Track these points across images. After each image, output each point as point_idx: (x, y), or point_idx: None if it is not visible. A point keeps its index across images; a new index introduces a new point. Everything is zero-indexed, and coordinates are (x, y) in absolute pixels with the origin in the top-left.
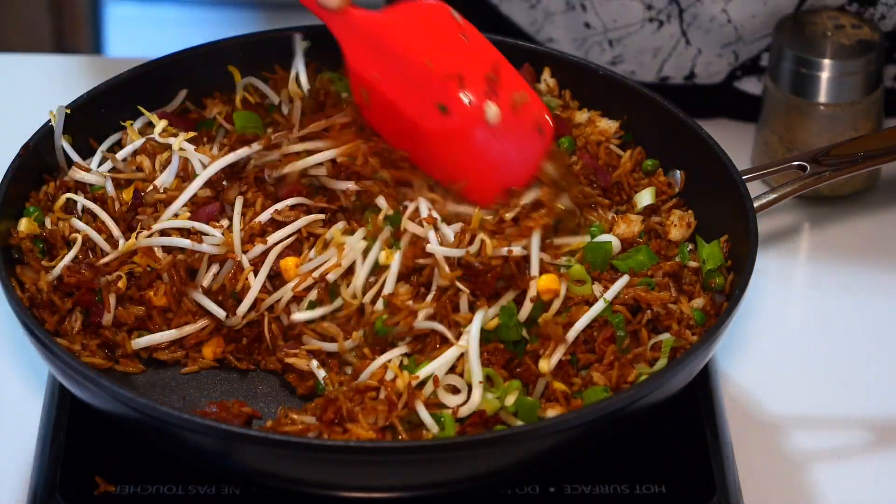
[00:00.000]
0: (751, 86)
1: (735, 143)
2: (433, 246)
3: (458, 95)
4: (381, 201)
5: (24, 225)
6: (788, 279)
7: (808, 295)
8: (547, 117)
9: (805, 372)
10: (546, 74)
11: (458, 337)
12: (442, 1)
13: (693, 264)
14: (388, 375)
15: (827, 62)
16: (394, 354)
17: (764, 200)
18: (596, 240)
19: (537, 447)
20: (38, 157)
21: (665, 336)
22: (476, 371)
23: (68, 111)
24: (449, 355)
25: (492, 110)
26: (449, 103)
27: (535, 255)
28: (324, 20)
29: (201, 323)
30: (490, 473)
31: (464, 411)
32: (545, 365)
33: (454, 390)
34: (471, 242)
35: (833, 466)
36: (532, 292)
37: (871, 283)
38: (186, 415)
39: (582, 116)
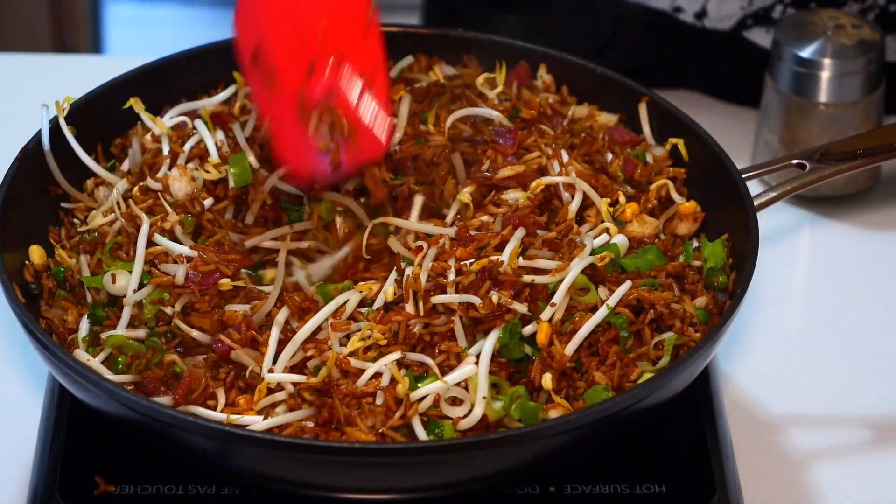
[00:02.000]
0: (759, 37)
1: (735, 141)
2: (450, 297)
3: (326, 67)
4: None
5: (36, 255)
6: (788, 279)
7: (807, 295)
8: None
9: (805, 372)
10: (542, 71)
11: (447, 364)
12: None
13: (696, 263)
14: (385, 380)
15: (827, 62)
16: (389, 360)
17: (764, 199)
18: (606, 243)
19: (540, 448)
20: (37, 161)
21: (668, 335)
22: (482, 387)
23: (67, 104)
24: (454, 377)
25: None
26: (318, 68)
27: (562, 299)
28: None
29: None
30: (494, 475)
31: (464, 424)
32: (548, 381)
33: (456, 400)
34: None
35: (833, 466)
36: (541, 338)
37: (871, 282)
38: (186, 416)
39: (582, 111)
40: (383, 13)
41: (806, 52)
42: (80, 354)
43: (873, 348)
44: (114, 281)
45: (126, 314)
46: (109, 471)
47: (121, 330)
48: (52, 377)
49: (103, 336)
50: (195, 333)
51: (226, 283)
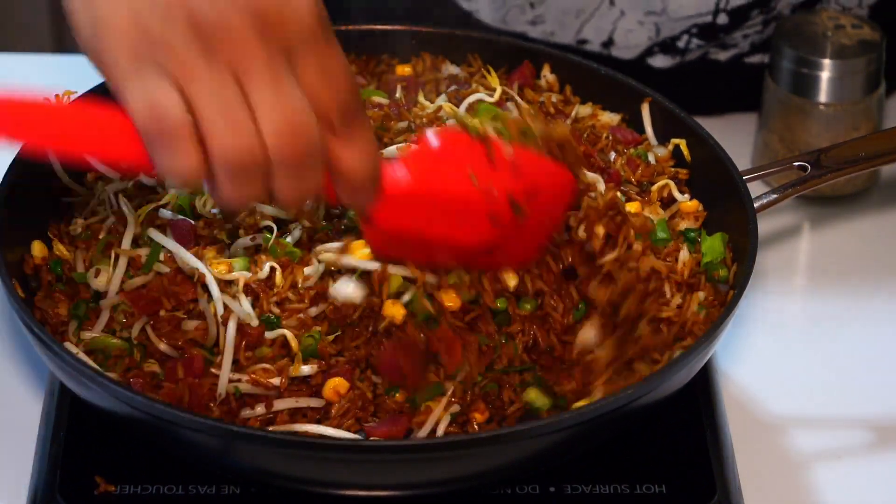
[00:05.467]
0: (660, 61)
1: (735, 142)
2: None
3: (504, 204)
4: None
5: (36, 249)
6: (788, 279)
7: (808, 295)
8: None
9: (805, 372)
10: (545, 71)
11: None
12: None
13: (696, 255)
14: None
15: (827, 62)
16: None
17: (765, 201)
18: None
19: (535, 446)
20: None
21: None
22: None
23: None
24: None
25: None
26: (498, 214)
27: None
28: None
29: None
30: (485, 473)
31: None
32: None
33: None
34: None
35: (834, 467)
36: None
37: (872, 283)
38: (189, 414)
39: (585, 111)
40: None
41: (806, 53)
42: (69, 346)
43: (875, 348)
44: (96, 276)
45: (104, 316)
46: (109, 471)
47: (96, 332)
48: (52, 377)
49: (84, 335)
50: (163, 346)
51: (163, 314)
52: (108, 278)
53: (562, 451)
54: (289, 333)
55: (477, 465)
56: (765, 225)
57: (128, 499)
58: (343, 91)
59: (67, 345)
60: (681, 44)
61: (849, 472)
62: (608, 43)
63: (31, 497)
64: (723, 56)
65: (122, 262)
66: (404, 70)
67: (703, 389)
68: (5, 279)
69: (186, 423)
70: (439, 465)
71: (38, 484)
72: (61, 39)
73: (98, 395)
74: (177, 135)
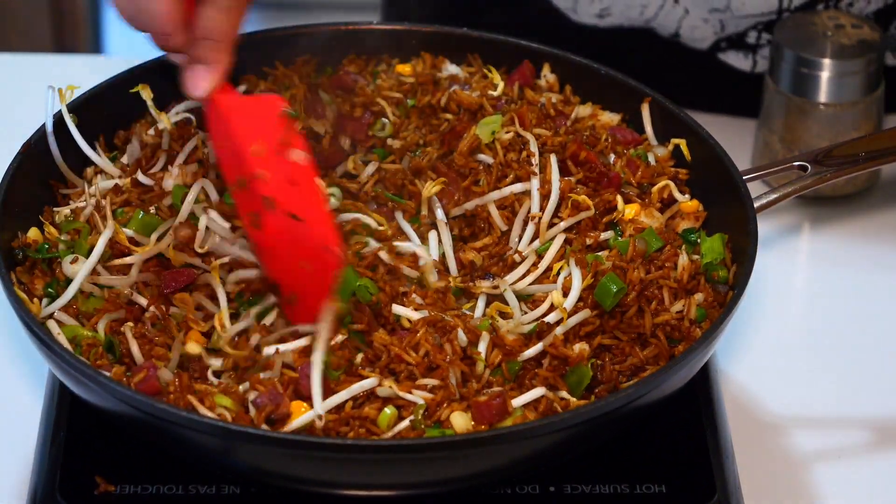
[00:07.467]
0: (735, 60)
1: (735, 142)
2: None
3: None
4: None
5: (32, 234)
6: (788, 279)
7: (808, 295)
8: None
9: (805, 372)
10: (545, 70)
11: None
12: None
13: (696, 257)
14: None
15: (827, 62)
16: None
17: (765, 200)
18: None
19: (535, 446)
20: (39, 154)
21: None
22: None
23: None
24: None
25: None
26: (261, 216)
27: None
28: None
29: None
30: (486, 472)
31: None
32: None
33: None
34: None
35: (833, 466)
36: None
37: (872, 282)
38: (188, 413)
39: (585, 111)
40: (344, 12)
41: (806, 52)
42: (52, 326)
43: (874, 348)
44: (73, 262)
45: (64, 298)
46: (109, 471)
47: (55, 307)
48: (52, 377)
49: (50, 308)
50: (134, 348)
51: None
52: (77, 269)
53: (562, 451)
54: (194, 401)
55: (477, 465)
56: (765, 225)
57: (128, 499)
58: None
59: (50, 323)
60: (750, 39)
61: (849, 471)
62: (675, 36)
63: (31, 497)
64: None
65: (87, 267)
66: (404, 70)
67: (703, 389)
68: (6, 279)
69: (186, 422)
70: (439, 465)
71: (38, 484)
72: (61, 39)
73: (98, 395)
74: None
